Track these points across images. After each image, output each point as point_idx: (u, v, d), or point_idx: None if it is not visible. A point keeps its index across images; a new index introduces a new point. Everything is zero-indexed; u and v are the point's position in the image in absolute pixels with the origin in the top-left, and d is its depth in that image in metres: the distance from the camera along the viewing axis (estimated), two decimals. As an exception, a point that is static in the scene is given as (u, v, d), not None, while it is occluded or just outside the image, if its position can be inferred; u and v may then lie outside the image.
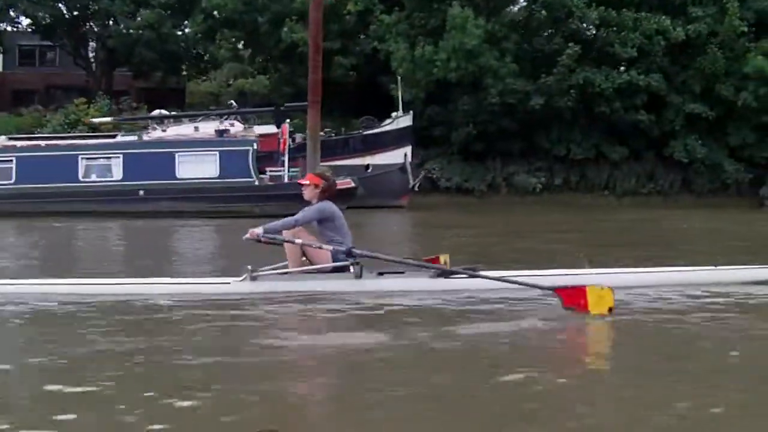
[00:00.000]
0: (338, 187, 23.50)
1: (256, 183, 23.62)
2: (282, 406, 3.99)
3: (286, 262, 7.27)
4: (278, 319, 6.44)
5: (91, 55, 41.83)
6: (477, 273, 6.93)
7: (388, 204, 28.41)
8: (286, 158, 24.86)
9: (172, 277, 8.12)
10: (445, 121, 34.71)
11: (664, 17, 35.56)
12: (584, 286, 5.93)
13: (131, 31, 37.09)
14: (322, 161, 27.31)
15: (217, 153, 23.63)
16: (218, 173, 23.45)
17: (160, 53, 37.35)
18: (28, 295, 7.00)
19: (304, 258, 7.28)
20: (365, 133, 30.54)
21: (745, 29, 35.97)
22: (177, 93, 44.31)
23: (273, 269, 7.23)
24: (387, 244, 15.98)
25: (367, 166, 29.47)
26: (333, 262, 7.22)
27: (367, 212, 26.47)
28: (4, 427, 3.47)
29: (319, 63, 25.89)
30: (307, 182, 7.49)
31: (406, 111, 30.66)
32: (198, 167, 23.38)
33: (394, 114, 30.50)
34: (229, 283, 7.09)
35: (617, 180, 36.01)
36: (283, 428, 3.59)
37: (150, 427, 3.44)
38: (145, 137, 25.11)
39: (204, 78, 43.30)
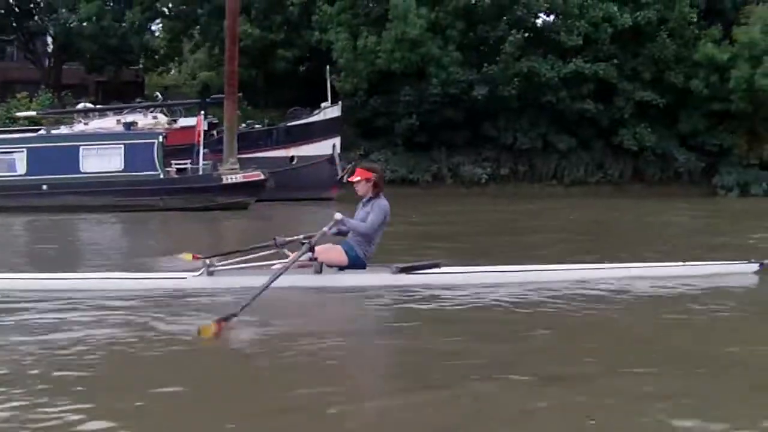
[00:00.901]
0: (246, 179, 23.47)
1: (161, 176, 23.24)
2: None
3: (241, 257, 7.04)
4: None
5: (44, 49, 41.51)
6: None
7: (317, 196, 27.95)
8: (200, 150, 24.46)
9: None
10: (388, 111, 34.26)
11: (611, 4, 34.99)
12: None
13: (73, 24, 36.72)
14: (245, 153, 27.06)
15: (122, 146, 23.21)
16: (123, 167, 23.05)
17: (103, 46, 36.98)
18: None
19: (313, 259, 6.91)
20: (289, 124, 30.10)
21: (695, 17, 35.39)
22: (135, 86, 44.01)
23: (229, 263, 6.97)
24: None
25: (291, 158, 29.06)
26: (349, 261, 7.00)
27: (293, 205, 26.25)
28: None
29: (235, 54, 25.48)
30: (358, 178, 7.13)
31: (335, 102, 30.18)
32: (103, 161, 22.95)
33: (323, 104, 30.03)
34: (185, 278, 6.83)
35: (565, 169, 35.55)
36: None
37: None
38: (54, 131, 24.79)
39: (160, 70, 42.90)
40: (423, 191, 34.24)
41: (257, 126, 30.04)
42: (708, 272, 7.66)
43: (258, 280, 6.18)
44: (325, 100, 31.66)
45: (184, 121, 27.42)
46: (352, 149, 34.66)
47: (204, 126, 25.96)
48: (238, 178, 23.52)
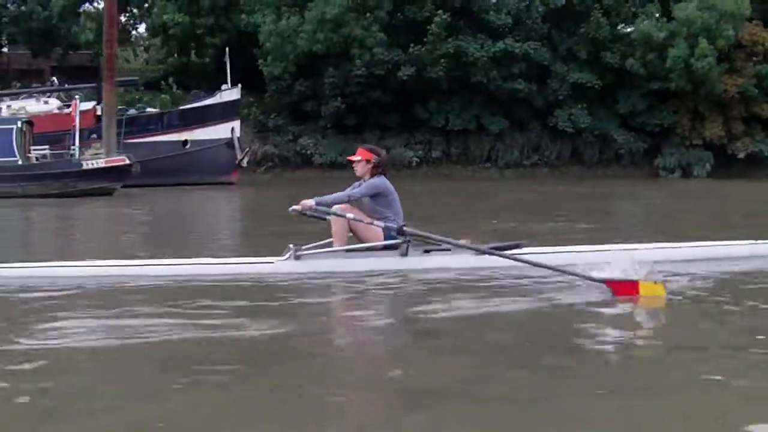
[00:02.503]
0: (109, 164, 23.09)
1: (20, 162, 22.96)
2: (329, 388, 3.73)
3: (327, 240, 6.92)
4: (326, 301, 6.15)
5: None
6: (517, 257, 6.50)
7: (215, 180, 27.58)
8: (76, 135, 24.09)
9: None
10: (315, 95, 33.80)
11: (544, -19, 34.15)
12: (637, 282, 5.62)
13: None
14: (135, 138, 26.84)
15: None
16: None
17: (25, 30, 36.99)
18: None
19: (351, 235, 6.91)
20: (182, 108, 29.72)
21: (632, -7, 34.41)
22: (92, 70, 43.94)
23: (317, 247, 6.88)
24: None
25: (185, 142, 28.67)
26: (385, 239, 6.84)
27: (182, 189, 25.79)
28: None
29: (114, 36, 25.24)
30: (358, 158, 7.01)
31: (234, 85, 29.72)
32: (-39, 147, 22.74)
33: (223, 87, 29.67)
34: (272, 262, 6.73)
35: (500, 152, 34.73)
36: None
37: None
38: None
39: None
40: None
41: (149, 110, 29.73)
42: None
43: (345, 263, 6.57)
44: (257, 83, 31.28)
45: (83, 106, 27.25)
46: (282, 134, 34.43)
47: (98, 111, 25.77)
48: (99, 163, 23.06)
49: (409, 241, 6.68)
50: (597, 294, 5.72)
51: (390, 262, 6.68)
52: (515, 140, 34.75)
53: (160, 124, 28.55)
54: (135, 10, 39.81)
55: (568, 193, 24.45)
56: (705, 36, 33.05)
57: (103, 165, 23.07)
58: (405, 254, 6.70)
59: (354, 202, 6.89)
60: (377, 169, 6.96)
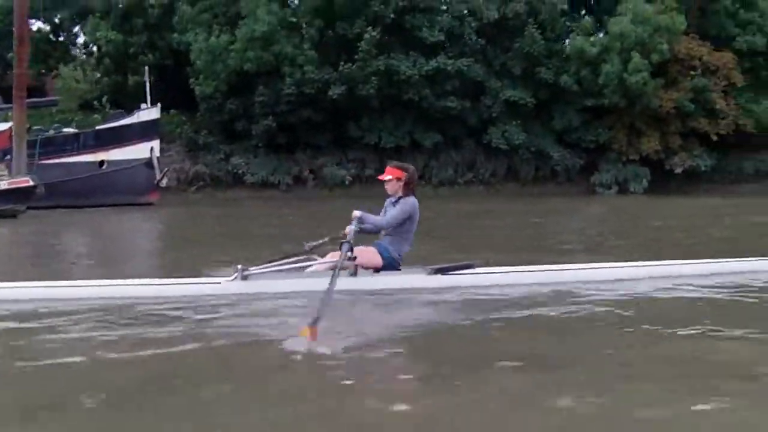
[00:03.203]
0: (11, 186, 22.62)
1: None
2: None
3: (277, 261, 6.88)
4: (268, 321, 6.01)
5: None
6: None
7: (134, 201, 27.10)
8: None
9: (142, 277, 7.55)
10: (246, 113, 33.38)
11: (480, -4, 33.85)
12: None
13: None
14: (50, 159, 26.39)
15: None
16: None
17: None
18: None
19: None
20: (99, 128, 29.26)
21: (566, 7, 34.07)
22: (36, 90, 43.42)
23: (263, 267, 6.81)
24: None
25: (101, 163, 28.21)
26: (384, 264, 6.88)
27: (98, 211, 25.18)
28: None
29: (24, 56, 24.81)
30: (389, 177, 7.00)
31: (154, 104, 29.28)
32: None
33: (142, 106, 29.23)
34: (219, 282, 6.69)
35: (433, 169, 34.31)
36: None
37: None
38: None
39: (54, 73, 42.08)
40: (283, 194, 33.36)
41: (65, 130, 29.28)
42: (734, 269, 7.72)
43: (294, 284, 6.50)
44: (190, 103, 30.78)
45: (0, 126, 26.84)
46: (213, 153, 34.00)
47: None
48: (2, 185, 22.69)
49: (354, 258, 6.62)
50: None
51: (340, 282, 6.42)
52: (449, 158, 34.37)
53: (76, 144, 28.04)
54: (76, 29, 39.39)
55: (468, 212, 23.99)
56: (639, 50, 32.77)
57: (6, 187, 22.67)
58: (354, 274, 6.67)
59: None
60: (409, 186, 6.96)
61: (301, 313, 5.78)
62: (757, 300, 6.85)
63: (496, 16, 33.64)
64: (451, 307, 6.34)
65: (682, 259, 8.28)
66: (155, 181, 28.40)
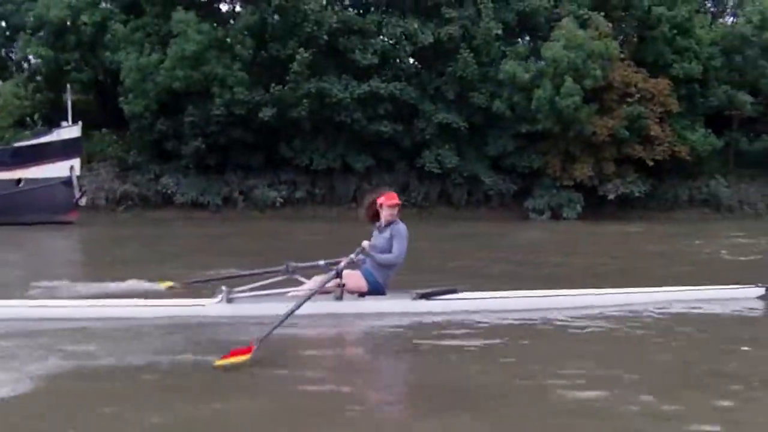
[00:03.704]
0: None
1: None
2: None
3: (262, 283, 7.10)
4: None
5: None
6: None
7: (52, 220, 26.73)
8: None
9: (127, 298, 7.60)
10: (176, 134, 33.03)
11: (412, 20, 33.62)
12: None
13: None
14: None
15: None
16: None
17: None
18: None
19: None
20: (17, 145, 28.87)
21: (500, 32, 33.91)
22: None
23: (248, 290, 7.00)
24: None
25: (18, 180, 27.75)
26: (369, 288, 7.06)
27: (16, 229, 24.91)
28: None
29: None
30: (399, 202, 7.36)
31: (75, 122, 28.90)
32: None
33: (63, 124, 28.84)
34: (203, 305, 6.81)
35: (365, 192, 33.93)
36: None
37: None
38: None
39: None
40: (212, 215, 33.02)
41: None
42: (713, 296, 8.01)
43: (278, 307, 6.39)
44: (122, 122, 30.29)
45: None
46: (143, 173, 33.61)
47: None
48: None
49: (343, 285, 6.81)
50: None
51: (324, 306, 6.78)
52: (382, 180, 33.97)
53: None
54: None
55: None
56: (572, 75, 32.64)
57: None
58: (340, 298, 6.87)
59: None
60: (399, 213, 7.28)
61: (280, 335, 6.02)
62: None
63: (431, 40, 33.42)
64: (433, 333, 6.42)
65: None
66: (74, 200, 27.98)
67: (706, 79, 36.51)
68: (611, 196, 34.52)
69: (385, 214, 7.16)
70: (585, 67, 32.79)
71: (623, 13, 34.58)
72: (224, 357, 5.09)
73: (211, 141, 32.68)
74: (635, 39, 36.49)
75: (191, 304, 6.87)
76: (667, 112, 34.93)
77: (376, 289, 7.04)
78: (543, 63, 33.40)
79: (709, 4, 40.37)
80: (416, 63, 34.24)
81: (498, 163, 34.69)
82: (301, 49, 32.28)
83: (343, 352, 5.83)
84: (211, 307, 6.73)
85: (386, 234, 7.15)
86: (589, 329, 6.77)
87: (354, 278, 6.98)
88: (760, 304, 8.44)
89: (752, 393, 5.01)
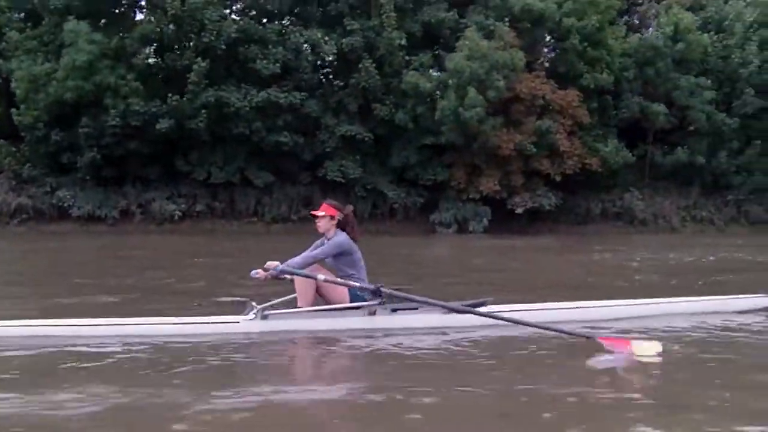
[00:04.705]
0: None
1: None
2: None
3: (291, 297, 6.93)
4: (291, 362, 6.21)
5: None
6: (496, 315, 6.64)
7: None
8: None
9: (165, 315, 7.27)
10: (72, 145, 32.21)
11: (316, 31, 33.01)
12: (629, 340, 5.81)
13: None
14: None
15: None
16: None
17: None
18: None
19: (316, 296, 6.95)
20: None
21: (404, 42, 33.33)
22: None
23: (283, 305, 6.88)
24: None
25: None
26: (350, 299, 6.88)
27: None
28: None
29: None
30: (322, 213, 7.06)
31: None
32: None
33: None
34: (238, 321, 6.65)
35: (266, 206, 33.30)
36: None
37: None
38: None
39: None
40: (109, 228, 32.20)
41: None
42: (717, 308, 7.79)
43: (312, 323, 6.60)
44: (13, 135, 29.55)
45: None
46: (38, 185, 32.79)
47: None
48: None
49: (384, 302, 6.63)
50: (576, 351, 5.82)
51: (358, 321, 6.68)
52: (284, 194, 33.42)
53: None
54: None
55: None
56: (475, 86, 32.07)
57: None
58: (373, 314, 6.71)
59: (321, 263, 6.87)
60: (340, 226, 6.97)
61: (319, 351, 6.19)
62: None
63: (334, 51, 32.82)
64: (473, 346, 6.28)
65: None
66: None
67: (619, 91, 36.10)
68: (519, 210, 33.91)
69: (319, 226, 7.11)
70: (488, 78, 32.24)
71: (530, 25, 34.00)
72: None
73: (107, 153, 31.90)
74: (545, 50, 35.99)
75: (224, 321, 6.75)
76: (577, 124, 34.42)
77: (355, 299, 6.97)
78: (444, 74, 32.79)
79: (626, 17, 39.96)
80: (317, 74, 33.54)
81: (402, 176, 34.04)
82: (199, 59, 31.58)
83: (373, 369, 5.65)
84: (245, 323, 6.62)
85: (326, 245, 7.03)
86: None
87: (340, 292, 6.88)
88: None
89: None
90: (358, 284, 6.72)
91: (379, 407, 4.68)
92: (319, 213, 7.06)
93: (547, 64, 35.64)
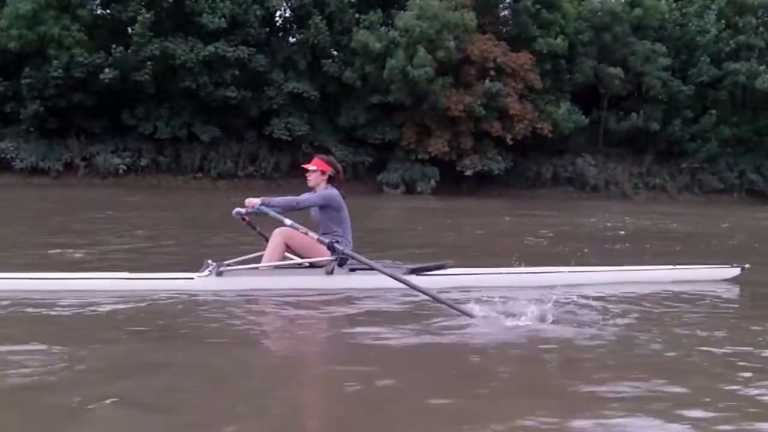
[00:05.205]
0: None
1: None
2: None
3: (252, 255, 6.74)
4: (244, 319, 5.66)
5: None
6: (408, 282, 6.12)
7: None
8: None
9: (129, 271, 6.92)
10: (15, 96, 31.81)
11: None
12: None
13: None
14: None
15: None
16: None
17: None
18: None
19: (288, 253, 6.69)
20: None
21: (354, 0, 32.99)
22: None
23: (240, 263, 6.62)
24: None
25: None
26: (332, 257, 6.57)
27: None
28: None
29: None
30: (314, 167, 6.79)
31: None
32: None
33: None
34: (192, 278, 6.40)
35: (212, 161, 33.01)
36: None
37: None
38: None
39: None
40: (53, 181, 31.88)
41: None
42: (692, 276, 7.69)
43: (268, 281, 6.40)
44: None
45: None
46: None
47: None
48: None
49: (337, 259, 6.47)
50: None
51: (316, 280, 6.52)
52: (229, 150, 33.11)
53: None
54: None
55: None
56: (425, 46, 31.77)
57: None
58: (330, 273, 6.54)
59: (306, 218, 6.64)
60: (332, 182, 6.75)
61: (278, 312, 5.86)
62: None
63: (283, 6, 32.44)
64: (423, 308, 5.99)
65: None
66: None
67: (573, 55, 35.84)
68: (469, 172, 33.72)
69: (310, 180, 6.83)
70: (439, 38, 31.94)
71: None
72: None
73: (50, 104, 31.50)
74: (500, 12, 35.68)
75: (179, 278, 6.46)
76: (528, 87, 34.18)
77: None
78: (394, 32, 32.48)
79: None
80: (266, 29, 33.15)
81: (351, 135, 33.77)
82: (143, 10, 31.17)
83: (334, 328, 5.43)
84: (200, 280, 6.34)
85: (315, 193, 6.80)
86: (577, 306, 6.13)
87: (321, 249, 6.53)
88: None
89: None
90: (315, 236, 6.41)
91: (324, 370, 4.53)
92: (311, 167, 6.80)
93: (500, 27, 35.19)
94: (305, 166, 6.87)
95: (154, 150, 32.91)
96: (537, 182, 35.57)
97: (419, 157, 33.46)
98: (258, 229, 6.75)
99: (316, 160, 6.83)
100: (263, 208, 6.32)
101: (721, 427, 3.45)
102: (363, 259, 6.22)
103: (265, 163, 33.28)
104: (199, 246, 10.84)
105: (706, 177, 37.61)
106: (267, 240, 6.63)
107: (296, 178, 33.66)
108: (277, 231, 6.50)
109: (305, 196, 6.67)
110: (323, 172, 6.76)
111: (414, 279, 6.39)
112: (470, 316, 5.39)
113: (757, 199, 37.09)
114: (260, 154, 33.35)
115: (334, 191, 6.71)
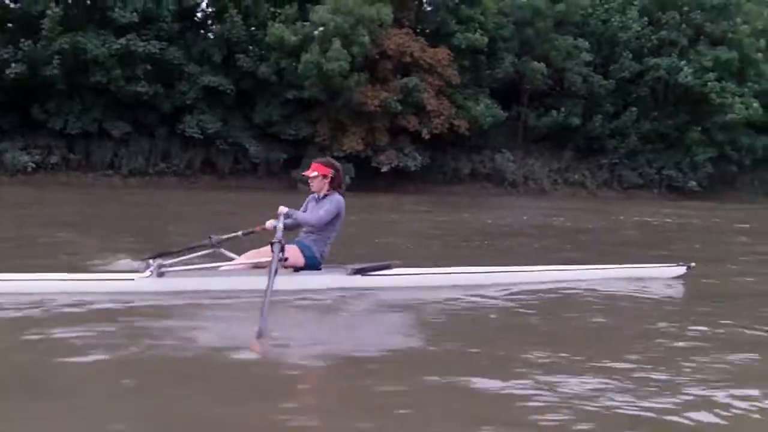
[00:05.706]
0: None
1: None
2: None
3: (190, 256, 6.67)
4: (173, 326, 5.42)
5: None
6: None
7: None
8: None
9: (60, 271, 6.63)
10: None
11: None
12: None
13: None
14: None
15: None
16: None
17: None
18: None
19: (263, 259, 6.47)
20: None
21: (271, -6, 32.69)
22: None
23: (177, 263, 6.50)
24: None
25: None
26: (306, 263, 6.55)
27: None
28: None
29: None
30: (314, 173, 6.65)
31: None
32: None
33: None
34: (132, 279, 6.30)
35: (123, 158, 32.65)
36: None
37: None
38: None
39: None
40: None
41: None
42: (638, 275, 7.87)
43: (209, 282, 6.28)
44: None
45: None
46: None
47: None
48: None
49: (285, 259, 6.22)
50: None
51: (256, 281, 6.16)
52: (141, 146, 32.75)
53: None
54: None
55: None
56: (340, 41, 31.55)
57: None
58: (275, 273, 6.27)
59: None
60: (334, 184, 6.67)
61: (219, 315, 5.65)
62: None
63: (198, 1, 32.07)
64: (368, 310, 6.14)
65: None
66: None
67: (494, 50, 35.79)
68: (384, 169, 33.66)
69: (313, 186, 6.71)
70: (354, 33, 31.74)
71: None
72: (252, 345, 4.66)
73: (-43, 99, 30.98)
74: (418, 6, 35.51)
75: (119, 278, 6.36)
76: (446, 83, 34.11)
77: (312, 264, 6.56)
78: (311, 26, 32.23)
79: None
80: (179, 24, 32.74)
81: (266, 131, 33.55)
82: (52, 4, 30.65)
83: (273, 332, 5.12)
84: (140, 281, 6.23)
85: (325, 204, 6.64)
86: (525, 304, 6.51)
87: (291, 252, 6.41)
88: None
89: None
90: (249, 230, 6.62)
91: (246, 371, 4.39)
92: (311, 173, 6.66)
93: (419, 22, 35.05)
94: (305, 174, 6.79)
95: (64, 146, 32.44)
96: (454, 178, 35.61)
97: (334, 153, 33.24)
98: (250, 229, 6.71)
99: (314, 165, 6.73)
100: (287, 222, 6.32)
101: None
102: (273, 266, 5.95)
103: (178, 160, 32.99)
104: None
105: (625, 173, 37.87)
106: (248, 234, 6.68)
107: (209, 175, 33.54)
108: (288, 248, 6.36)
109: (322, 212, 6.54)
110: (325, 176, 6.65)
111: (359, 279, 6.61)
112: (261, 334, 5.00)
113: (676, 195, 37.42)
114: (172, 151, 33.05)
115: (340, 197, 6.65)
